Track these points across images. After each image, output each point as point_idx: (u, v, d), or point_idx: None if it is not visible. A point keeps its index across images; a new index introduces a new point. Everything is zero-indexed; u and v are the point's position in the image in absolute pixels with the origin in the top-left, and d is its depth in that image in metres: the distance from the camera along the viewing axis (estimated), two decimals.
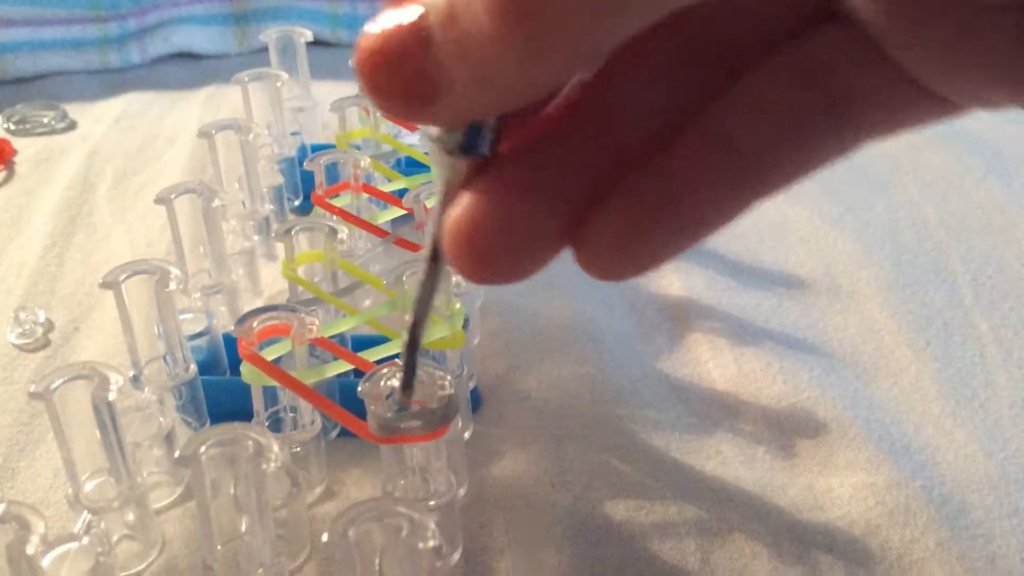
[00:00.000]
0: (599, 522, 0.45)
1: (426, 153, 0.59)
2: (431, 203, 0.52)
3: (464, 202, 0.23)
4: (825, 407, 0.51)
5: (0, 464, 0.49)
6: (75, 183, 0.75)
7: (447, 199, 0.24)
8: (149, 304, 0.46)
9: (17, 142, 0.81)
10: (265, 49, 0.73)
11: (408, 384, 0.30)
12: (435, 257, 0.25)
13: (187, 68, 0.98)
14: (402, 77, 0.20)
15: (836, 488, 0.47)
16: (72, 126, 0.85)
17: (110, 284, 0.44)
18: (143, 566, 0.43)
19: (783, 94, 0.24)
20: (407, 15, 0.20)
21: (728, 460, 0.48)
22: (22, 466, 0.49)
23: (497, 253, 0.23)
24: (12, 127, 0.84)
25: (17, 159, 0.79)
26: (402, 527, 0.33)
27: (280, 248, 0.53)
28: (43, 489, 0.47)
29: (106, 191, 0.74)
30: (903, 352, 0.56)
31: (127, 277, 0.45)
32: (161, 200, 0.50)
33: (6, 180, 0.76)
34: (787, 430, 0.50)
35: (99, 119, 0.87)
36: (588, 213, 0.23)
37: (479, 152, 0.23)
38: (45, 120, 0.85)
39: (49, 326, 0.59)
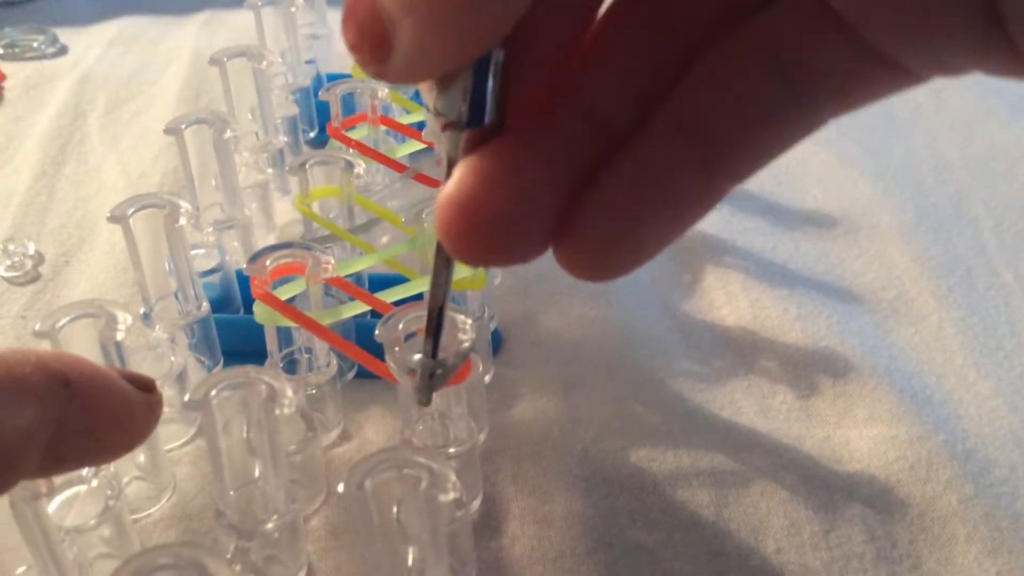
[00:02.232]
0: (610, 472, 0.44)
1: None
2: None
3: (457, 177, 0.23)
4: (844, 355, 0.51)
5: None
6: (66, 110, 0.74)
7: (449, 176, 0.23)
8: (156, 239, 0.45)
9: (6, 67, 0.80)
10: None
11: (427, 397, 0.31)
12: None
13: None
14: (359, 27, 0.21)
15: (855, 441, 0.46)
16: (63, 51, 0.84)
17: (118, 218, 0.43)
18: (154, 509, 0.42)
19: (741, 73, 0.23)
20: None
21: (743, 410, 0.48)
22: None
23: (492, 231, 0.23)
24: (1, 51, 0.82)
25: (6, 84, 0.78)
26: (421, 478, 0.32)
27: (294, 182, 0.51)
28: None
29: (98, 119, 0.73)
30: (925, 299, 0.55)
31: (135, 211, 0.43)
32: (171, 130, 0.49)
33: None
34: (804, 379, 0.50)
35: (91, 44, 0.85)
36: (570, 213, 0.23)
37: (478, 122, 0.22)
38: (35, 44, 0.83)
39: (39, 259, 0.58)
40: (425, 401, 0.31)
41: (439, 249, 0.26)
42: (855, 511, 0.43)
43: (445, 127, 0.23)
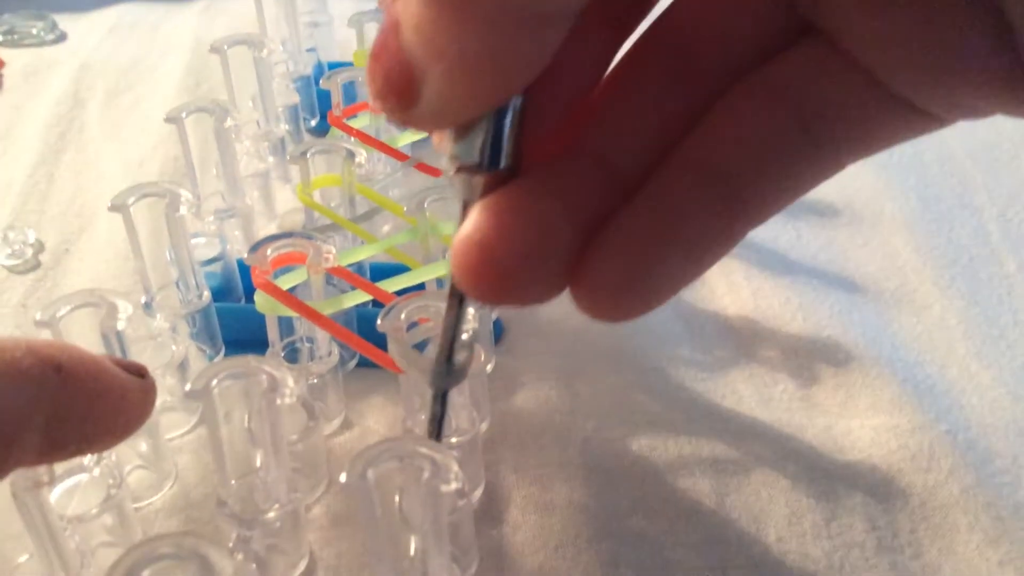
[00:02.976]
0: (611, 461, 0.44)
1: None
2: None
3: (473, 218, 0.23)
4: (846, 345, 0.51)
5: None
6: (65, 98, 0.74)
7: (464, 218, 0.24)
8: (157, 228, 0.45)
9: (5, 53, 0.80)
10: None
11: (438, 430, 0.32)
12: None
13: None
14: (386, 75, 0.21)
15: (857, 430, 0.46)
16: (62, 37, 0.84)
17: (119, 207, 0.43)
18: (156, 497, 0.42)
19: (759, 117, 0.24)
20: (390, 13, 0.21)
21: (744, 399, 0.48)
22: None
23: (509, 273, 0.23)
24: (0, 38, 0.82)
25: (5, 71, 0.78)
26: (423, 468, 0.32)
27: (295, 171, 0.52)
28: None
29: (97, 107, 0.73)
30: (927, 289, 0.55)
31: (136, 200, 0.43)
32: (172, 119, 0.49)
33: None
34: (806, 368, 0.50)
35: (90, 30, 0.85)
36: (586, 254, 0.24)
37: (495, 166, 0.23)
38: (34, 31, 0.83)
39: (39, 247, 0.58)
40: (436, 437, 0.32)
41: (452, 288, 0.26)
42: (856, 500, 0.43)
43: (459, 170, 0.23)
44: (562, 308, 0.51)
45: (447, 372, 0.30)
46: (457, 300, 0.27)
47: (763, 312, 0.53)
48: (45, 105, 0.73)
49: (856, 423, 0.46)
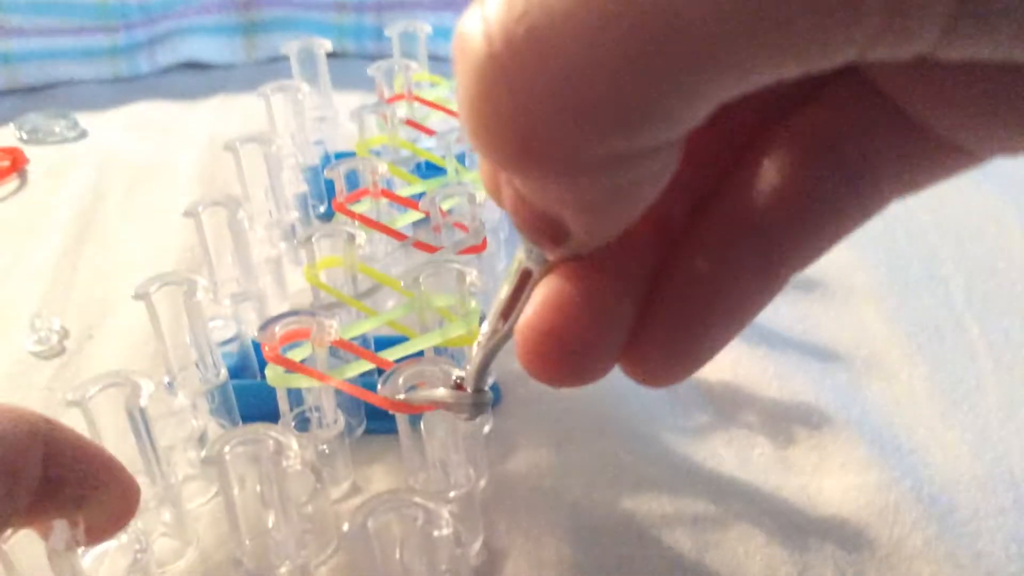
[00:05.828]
0: (599, 521, 0.46)
1: (443, 156, 0.61)
2: (446, 205, 0.54)
3: (538, 302, 0.23)
4: (819, 409, 0.53)
5: None
6: (87, 192, 0.76)
7: (520, 285, 0.24)
8: (177, 313, 0.47)
9: (30, 151, 0.82)
10: (272, 60, 0.73)
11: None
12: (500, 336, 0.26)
13: (196, 77, 0.98)
14: (537, 231, 0.22)
15: (828, 489, 0.48)
16: (83, 135, 0.86)
17: (142, 295, 0.46)
18: (180, 562, 0.45)
19: (797, 164, 0.23)
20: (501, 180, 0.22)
21: (724, 461, 0.50)
22: None
23: (573, 359, 0.23)
24: (25, 136, 0.85)
25: (30, 168, 0.80)
26: (418, 517, 0.35)
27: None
28: None
29: (118, 200, 0.75)
30: (896, 356, 0.58)
31: (157, 288, 0.46)
32: (189, 213, 0.52)
33: (19, 189, 0.77)
34: (782, 432, 0.52)
35: (110, 128, 0.87)
36: (636, 323, 0.23)
37: None
38: (57, 129, 0.86)
39: (64, 333, 0.60)
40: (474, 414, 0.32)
41: (501, 328, 0.27)
42: (827, 552, 0.45)
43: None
44: None
45: (475, 399, 0.31)
46: (497, 338, 0.27)
47: (742, 380, 0.55)
48: (68, 199, 0.75)
49: (828, 482, 0.48)
